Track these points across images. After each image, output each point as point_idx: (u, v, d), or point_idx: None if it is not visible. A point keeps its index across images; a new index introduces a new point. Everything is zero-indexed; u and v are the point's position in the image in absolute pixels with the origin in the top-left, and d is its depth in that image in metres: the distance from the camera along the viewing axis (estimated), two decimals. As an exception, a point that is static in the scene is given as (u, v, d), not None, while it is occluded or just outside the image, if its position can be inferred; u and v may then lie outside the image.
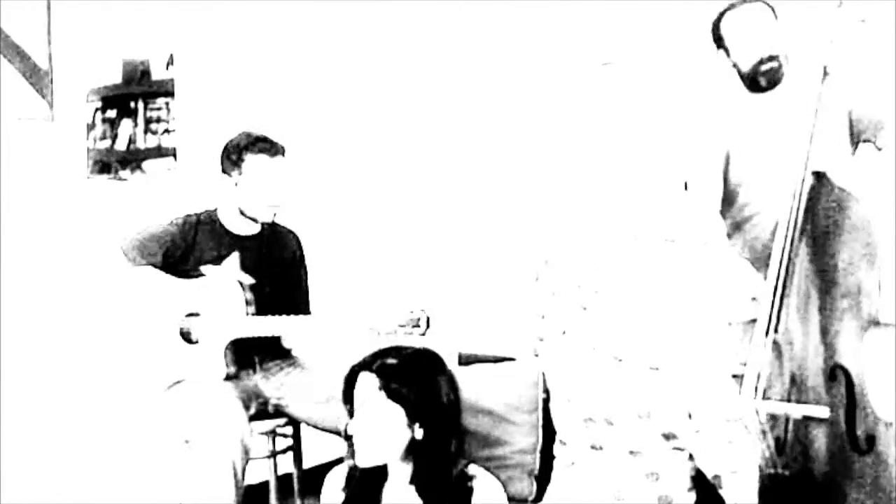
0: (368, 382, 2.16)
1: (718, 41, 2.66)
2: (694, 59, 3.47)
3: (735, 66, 2.65)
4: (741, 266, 2.56)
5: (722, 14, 2.64)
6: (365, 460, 2.15)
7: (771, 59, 2.58)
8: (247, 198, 2.73)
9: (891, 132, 2.50)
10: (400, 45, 4.15)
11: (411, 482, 2.16)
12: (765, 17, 2.59)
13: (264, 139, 2.73)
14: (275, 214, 2.78)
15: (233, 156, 2.71)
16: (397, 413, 2.13)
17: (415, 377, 2.18)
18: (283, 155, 2.75)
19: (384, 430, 2.13)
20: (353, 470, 2.22)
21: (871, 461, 2.12)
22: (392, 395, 2.13)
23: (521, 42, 4.07)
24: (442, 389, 2.20)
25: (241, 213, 2.75)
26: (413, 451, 2.15)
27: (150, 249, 2.70)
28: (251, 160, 2.70)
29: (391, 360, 2.18)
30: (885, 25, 2.81)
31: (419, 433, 2.14)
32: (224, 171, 2.73)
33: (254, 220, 2.76)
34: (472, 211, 4.24)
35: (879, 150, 2.57)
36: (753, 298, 2.46)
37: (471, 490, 2.17)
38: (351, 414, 2.20)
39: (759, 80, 2.61)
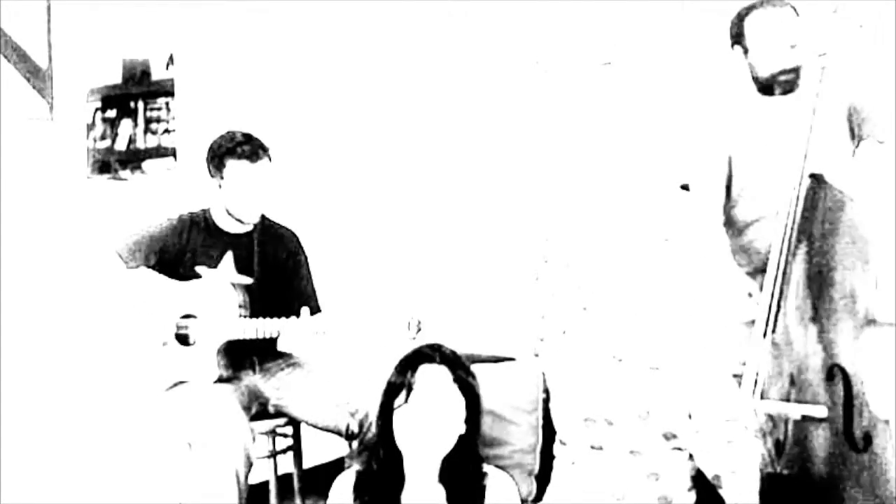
0: (439, 374, 2.16)
1: (738, 37, 2.58)
2: (695, 60, 3.47)
3: (752, 67, 2.59)
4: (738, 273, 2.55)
5: (748, 11, 2.56)
6: (421, 457, 2.14)
7: (789, 71, 2.52)
8: (230, 201, 2.73)
9: (890, 128, 2.50)
10: (399, 44, 4.15)
11: (440, 480, 2.16)
12: (791, 24, 2.51)
13: (246, 142, 2.68)
14: (261, 216, 2.79)
15: (215, 160, 2.70)
16: (462, 406, 2.16)
17: (469, 368, 2.22)
18: (267, 156, 2.71)
19: (451, 424, 2.14)
20: (365, 475, 2.20)
21: (868, 459, 2.13)
22: (462, 387, 2.16)
23: (521, 42, 4.07)
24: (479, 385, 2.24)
25: (228, 213, 2.76)
26: (452, 448, 2.16)
27: (145, 251, 2.70)
28: (232, 166, 2.67)
29: (449, 351, 2.21)
30: (882, 28, 2.81)
31: (463, 428, 2.17)
32: (209, 172, 2.73)
33: (239, 221, 2.77)
34: (472, 211, 4.24)
35: (881, 143, 2.56)
36: (750, 295, 2.45)
37: (484, 488, 2.18)
38: (386, 414, 2.16)
39: (775, 88, 2.57)
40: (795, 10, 2.54)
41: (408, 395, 2.14)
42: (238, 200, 2.71)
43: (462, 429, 2.17)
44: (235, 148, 2.67)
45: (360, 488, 2.19)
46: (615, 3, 3.76)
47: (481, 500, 2.17)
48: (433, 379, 2.15)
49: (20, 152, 3.05)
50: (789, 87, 2.55)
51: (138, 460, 3.23)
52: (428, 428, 2.12)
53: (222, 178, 2.69)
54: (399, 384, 2.16)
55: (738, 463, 2.28)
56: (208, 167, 2.73)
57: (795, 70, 2.53)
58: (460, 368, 2.19)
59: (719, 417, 2.32)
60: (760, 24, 2.54)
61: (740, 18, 2.57)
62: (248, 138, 2.70)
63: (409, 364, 2.18)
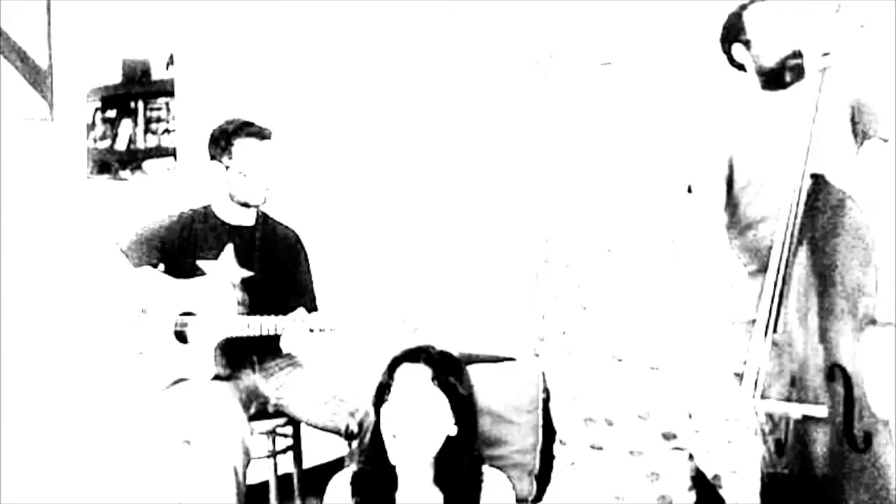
0: (418, 374, 2.15)
1: (738, 33, 2.59)
2: (695, 60, 3.47)
3: (755, 59, 2.58)
4: (736, 268, 2.55)
5: (745, 5, 2.57)
6: (405, 458, 2.12)
7: (796, 55, 2.52)
8: (238, 182, 2.75)
9: (891, 126, 2.50)
10: (399, 45, 4.15)
11: (436, 482, 2.15)
12: (790, 10, 2.54)
13: (251, 124, 2.77)
14: (265, 199, 2.80)
15: (221, 141, 2.74)
16: (445, 406, 2.14)
17: (459, 370, 2.20)
18: (270, 139, 2.78)
19: (433, 424, 2.13)
20: (361, 475, 2.20)
21: (868, 459, 2.13)
22: (443, 386, 2.14)
23: (521, 42, 4.07)
24: (472, 387, 2.22)
25: (232, 198, 2.76)
26: (443, 449, 2.15)
27: (149, 247, 2.72)
28: (240, 144, 2.73)
29: (436, 353, 2.19)
30: (884, 28, 2.81)
31: (454, 429, 2.15)
32: (213, 157, 2.75)
33: (245, 205, 2.77)
34: (472, 211, 4.24)
35: (885, 141, 2.55)
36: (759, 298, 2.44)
37: (479, 487, 2.17)
38: (377, 410, 2.16)
39: (785, 75, 2.55)
40: None
41: (388, 395, 2.15)
42: (246, 180, 2.73)
43: (451, 430, 2.15)
44: (243, 127, 2.74)
45: (356, 488, 2.18)
46: (615, 3, 3.76)
47: (477, 501, 2.15)
48: (410, 378, 2.15)
49: (20, 152, 3.05)
50: (799, 72, 2.54)
51: (137, 458, 3.23)
52: (405, 426, 2.11)
53: (231, 157, 2.72)
54: (384, 384, 2.18)
55: (738, 463, 2.28)
56: (212, 151, 2.75)
57: (801, 54, 2.53)
58: (445, 369, 2.17)
59: (719, 417, 2.32)
60: (761, 15, 2.55)
61: (738, 15, 2.58)
62: (253, 122, 2.78)
63: (393, 364, 2.19)
